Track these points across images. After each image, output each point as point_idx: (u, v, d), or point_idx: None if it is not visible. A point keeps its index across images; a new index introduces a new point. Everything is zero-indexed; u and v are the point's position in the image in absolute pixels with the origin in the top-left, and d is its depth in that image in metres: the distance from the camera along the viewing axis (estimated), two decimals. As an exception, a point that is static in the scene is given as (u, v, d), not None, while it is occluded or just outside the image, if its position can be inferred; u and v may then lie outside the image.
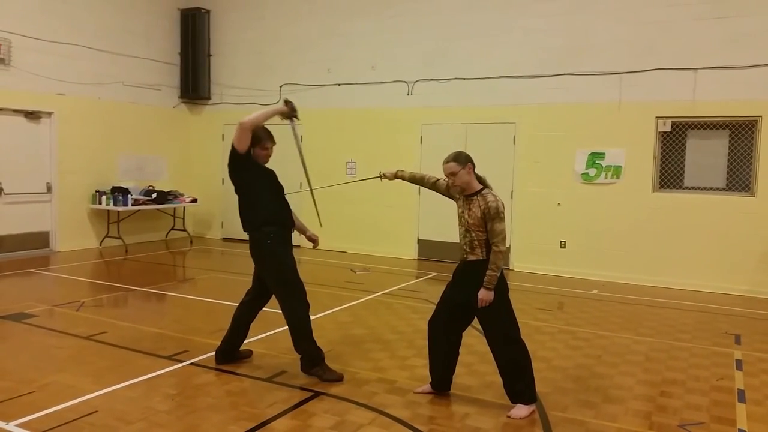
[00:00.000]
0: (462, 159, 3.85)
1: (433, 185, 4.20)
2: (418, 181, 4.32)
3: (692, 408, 4.03)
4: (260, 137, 4.33)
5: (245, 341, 4.74)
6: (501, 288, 3.82)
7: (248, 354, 4.77)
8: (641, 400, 4.16)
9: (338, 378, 4.32)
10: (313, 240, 4.68)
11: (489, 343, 3.88)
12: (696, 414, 3.93)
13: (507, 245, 3.88)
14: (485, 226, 3.77)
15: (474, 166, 3.89)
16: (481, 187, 3.87)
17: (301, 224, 4.68)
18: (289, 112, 4.41)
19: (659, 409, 4.02)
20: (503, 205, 3.80)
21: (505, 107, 9.04)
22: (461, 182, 3.84)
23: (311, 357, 4.35)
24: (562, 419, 3.79)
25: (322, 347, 4.44)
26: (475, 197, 3.83)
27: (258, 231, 4.36)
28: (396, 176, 4.35)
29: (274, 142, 4.42)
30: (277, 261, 4.36)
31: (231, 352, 4.66)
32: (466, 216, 3.83)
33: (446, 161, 3.89)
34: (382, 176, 4.39)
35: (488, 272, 3.72)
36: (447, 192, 4.08)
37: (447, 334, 3.99)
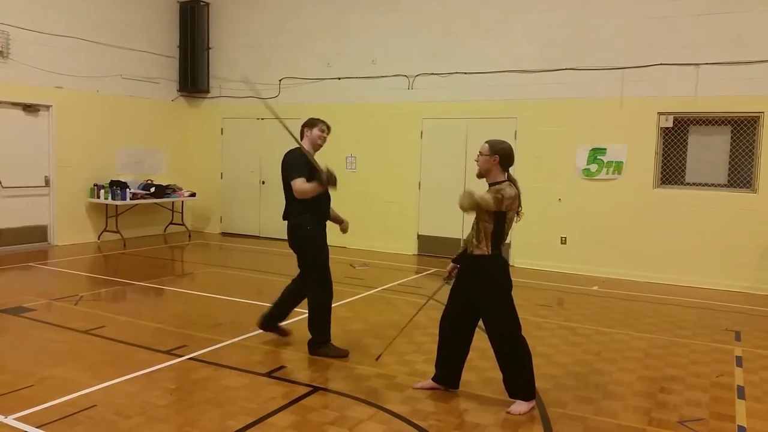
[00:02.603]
0: (495, 147, 3.82)
1: None
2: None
3: (692, 404, 4.03)
4: (314, 122, 4.74)
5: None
6: (504, 284, 3.81)
7: (287, 332, 5.00)
8: (641, 397, 4.15)
9: (344, 354, 4.59)
10: (344, 228, 4.97)
11: (490, 338, 3.87)
12: (696, 410, 3.93)
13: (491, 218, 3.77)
14: (494, 215, 3.72)
15: (505, 163, 3.81)
16: (504, 180, 3.83)
17: (336, 215, 4.96)
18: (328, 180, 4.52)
19: (659, 405, 4.01)
20: (520, 204, 3.78)
21: (506, 102, 9.00)
22: (481, 167, 3.86)
23: (320, 338, 4.62)
24: (561, 415, 3.79)
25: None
26: (494, 187, 3.80)
27: (297, 219, 4.62)
28: (455, 269, 4.12)
29: (329, 128, 4.80)
30: (314, 245, 4.62)
31: (273, 322, 4.95)
32: None
33: (485, 142, 3.88)
34: (448, 280, 4.18)
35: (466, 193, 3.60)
36: None
37: (458, 330, 3.98)
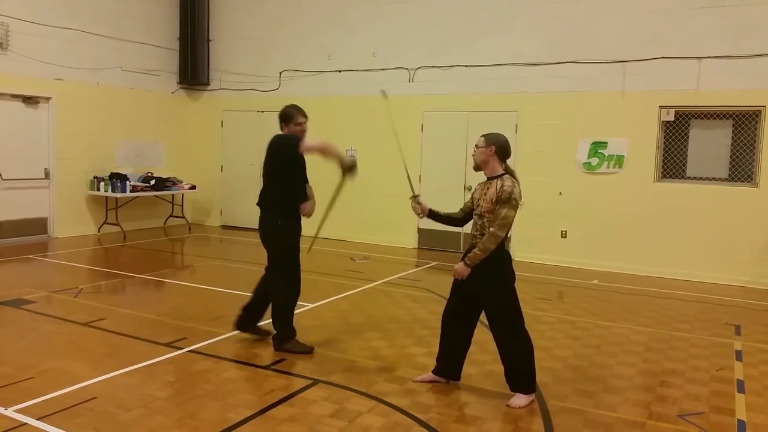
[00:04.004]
0: (490, 139, 3.82)
1: (462, 211, 4.07)
2: (448, 219, 4.13)
3: (692, 398, 4.03)
4: (291, 115, 4.53)
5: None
6: (508, 278, 3.81)
7: (266, 333, 4.83)
8: (641, 390, 4.15)
9: (308, 350, 4.53)
10: (307, 208, 4.65)
11: (492, 331, 3.86)
12: (695, 404, 3.93)
13: (508, 234, 3.80)
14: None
15: (502, 154, 3.82)
16: (503, 172, 3.83)
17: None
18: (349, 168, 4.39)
19: (659, 399, 4.01)
20: (520, 195, 3.75)
21: (507, 95, 8.97)
22: (477, 159, 3.86)
23: (284, 335, 4.54)
24: (561, 408, 3.79)
25: (321, 335, 4.47)
26: (495, 180, 3.79)
27: (273, 211, 4.48)
28: (427, 212, 4.11)
29: (305, 117, 4.59)
30: (284, 241, 4.49)
31: (250, 322, 4.81)
32: (481, 201, 3.80)
33: (481, 135, 3.89)
34: (416, 202, 4.14)
35: (474, 250, 3.70)
36: (472, 204, 3.98)
37: (461, 323, 3.98)
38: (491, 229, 3.68)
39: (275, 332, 4.59)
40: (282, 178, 4.51)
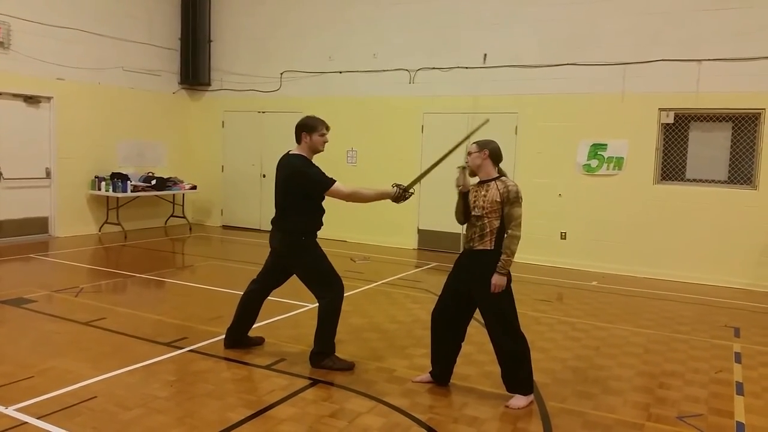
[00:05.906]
0: (482, 144, 3.87)
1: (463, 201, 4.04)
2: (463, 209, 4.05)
3: (691, 400, 4.04)
4: (315, 126, 4.31)
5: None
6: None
7: (260, 341, 4.76)
8: (640, 392, 4.16)
9: (349, 367, 4.32)
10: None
11: (489, 333, 3.87)
12: (694, 406, 3.94)
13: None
14: (501, 211, 3.75)
15: (495, 158, 3.85)
16: (497, 175, 3.86)
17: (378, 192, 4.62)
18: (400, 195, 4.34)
19: (658, 400, 4.02)
20: (521, 192, 3.79)
21: (507, 97, 8.98)
22: (472, 164, 3.88)
23: (327, 350, 4.33)
24: (560, 410, 3.80)
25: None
26: (493, 182, 3.82)
27: (298, 232, 4.33)
28: (466, 187, 3.97)
29: (328, 128, 4.40)
30: (312, 252, 4.36)
31: (240, 337, 4.66)
32: (481, 201, 3.81)
33: (473, 142, 3.92)
34: (464, 173, 3.96)
35: (503, 257, 3.72)
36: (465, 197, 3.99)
37: (450, 326, 3.97)
38: (511, 231, 3.74)
39: (315, 348, 4.34)
40: (304, 205, 4.33)
